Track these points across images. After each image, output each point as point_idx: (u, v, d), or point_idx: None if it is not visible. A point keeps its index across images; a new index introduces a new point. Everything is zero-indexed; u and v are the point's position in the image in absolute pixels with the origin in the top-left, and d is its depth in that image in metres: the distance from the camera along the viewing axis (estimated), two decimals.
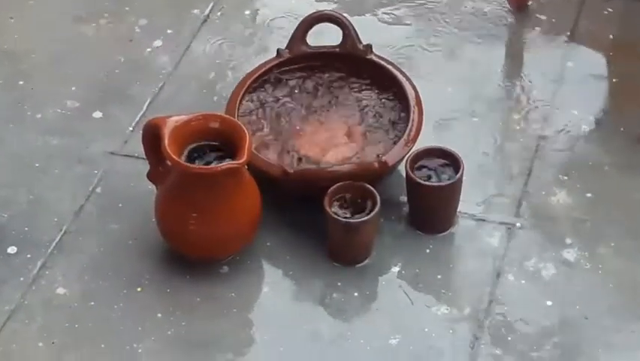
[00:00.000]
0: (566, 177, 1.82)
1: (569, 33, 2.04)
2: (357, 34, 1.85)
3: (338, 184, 1.69)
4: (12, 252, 1.72)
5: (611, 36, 2.04)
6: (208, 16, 2.09)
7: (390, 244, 1.72)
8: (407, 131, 1.75)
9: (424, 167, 1.73)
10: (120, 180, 1.82)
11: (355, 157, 1.76)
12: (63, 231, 1.75)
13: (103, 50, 2.02)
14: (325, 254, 1.71)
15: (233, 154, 1.63)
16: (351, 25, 1.84)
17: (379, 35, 2.00)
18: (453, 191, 1.73)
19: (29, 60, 2.01)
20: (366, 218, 1.66)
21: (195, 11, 2.09)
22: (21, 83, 1.97)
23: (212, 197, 1.63)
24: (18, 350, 1.61)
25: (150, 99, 1.94)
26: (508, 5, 2.09)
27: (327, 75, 1.87)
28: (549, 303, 1.66)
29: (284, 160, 1.75)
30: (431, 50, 2.02)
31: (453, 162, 1.73)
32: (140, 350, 1.61)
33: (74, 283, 1.69)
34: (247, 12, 2.10)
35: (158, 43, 2.04)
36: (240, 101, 1.80)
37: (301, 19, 1.85)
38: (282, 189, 1.73)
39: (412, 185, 1.72)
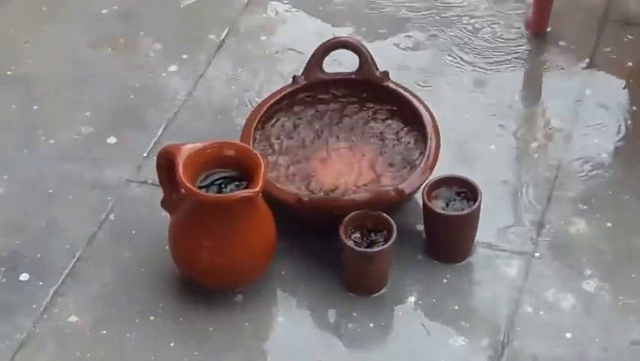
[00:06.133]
0: (585, 207, 1.80)
1: (588, 60, 2.03)
2: (373, 61, 1.83)
3: (354, 213, 1.67)
4: (24, 279, 1.71)
5: (630, 63, 2.02)
6: (224, 41, 2.08)
7: (407, 274, 1.70)
8: (424, 160, 1.74)
9: (442, 196, 1.71)
10: (134, 207, 1.80)
11: (371, 185, 1.74)
12: (76, 258, 1.74)
13: (117, 74, 2.02)
14: (340, 284, 1.69)
15: (248, 182, 1.61)
16: (368, 51, 1.83)
17: (396, 62, 1.98)
18: (471, 220, 1.71)
19: (43, 85, 2.00)
20: (382, 248, 1.64)
21: (211, 36, 2.08)
22: (35, 107, 1.97)
23: (226, 226, 1.61)
24: None
25: (165, 125, 1.93)
26: (526, 31, 2.07)
27: (343, 102, 1.85)
28: (568, 335, 1.63)
29: (299, 189, 1.73)
30: (449, 76, 2.00)
31: (471, 190, 1.71)
32: None
33: (87, 311, 1.67)
34: (263, 37, 2.09)
35: (173, 68, 2.03)
36: (255, 128, 1.79)
37: (317, 45, 1.84)
38: (296, 217, 1.72)
39: (429, 214, 1.70)
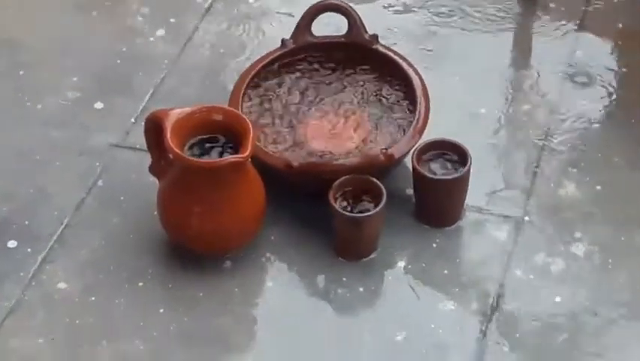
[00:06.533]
0: (574, 170, 1.79)
1: (578, 22, 2.01)
2: (362, 24, 1.82)
3: (343, 177, 1.66)
4: (12, 246, 1.70)
5: (620, 25, 2.01)
6: (211, 4, 2.06)
7: (397, 239, 1.70)
8: (414, 123, 1.73)
9: (431, 160, 1.71)
10: (122, 173, 1.79)
11: (360, 150, 1.73)
12: (64, 224, 1.73)
13: (104, 39, 2.00)
14: (330, 249, 1.69)
15: (236, 147, 1.60)
16: (357, 14, 1.82)
17: (386, 25, 1.97)
18: (460, 184, 1.70)
19: (29, 50, 1.98)
20: (372, 212, 1.64)
21: (198, 0, 2.07)
22: (21, 73, 1.95)
23: (215, 191, 1.60)
24: (18, 347, 1.59)
25: (152, 90, 1.91)
26: None
27: (332, 66, 1.84)
28: (558, 299, 1.63)
29: (288, 153, 1.73)
30: (438, 39, 1.99)
31: (460, 154, 1.70)
32: (141, 346, 1.59)
33: (75, 277, 1.67)
34: (251, 0, 2.07)
35: (160, 32, 2.01)
36: (244, 92, 1.78)
37: (306, 8, 1.82)
38: (286, 182, 1.71)
39: (418, 178, 1.70)
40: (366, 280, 1.66)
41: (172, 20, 2.03)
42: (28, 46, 1.99)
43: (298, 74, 1.83)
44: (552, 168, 1.79)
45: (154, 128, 1.63)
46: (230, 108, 1.69)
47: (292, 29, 1.83)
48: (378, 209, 1.64)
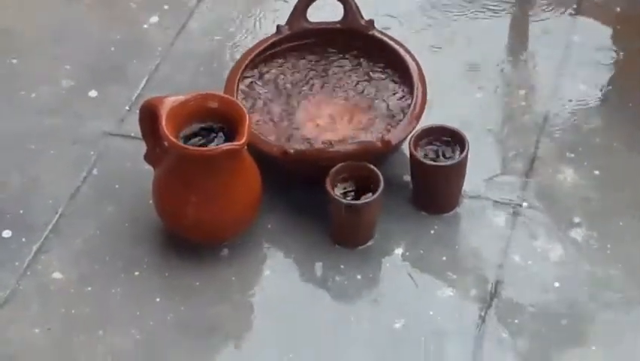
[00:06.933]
0: (572, 155, 1.78)
1: (575, 6, 2.00)
2: (358, 9, 1.81)
3: (340, 164, 1.65)
4: (7, 236, 1.69)
5: (618, 9, 2.00)
6: None
7: (394, 226, 1.69)
8: (410, 109, 1.72)
9: (428, 146, 1.70)
10: (117, 161, 1.78)
11: (357, 136, 1.72)
12: (59, 214, 1.72)
13: (98, 26, 1.99)
14: (327, 236, 1.68)
15: (232, 135, 1.59)
16: (353, 0, 1.80)
17: (381, 10, 1.96)
18: (458, 170, 1.69)
19: (23, 38, 1.97)
20: (369, 199, 1.63)
21: None
22: (14, 61, 1.94)
23: (211, 179, 1.59)
24: (14, 337, 1.58)
25: (147, 77, 1.90)
26: None
27: (327, 52, 1.82)
28: (557, 284, 1.63)
29: (284, 140, 1.71)
30: (434, 24, 1.98)
31: (458, 140, 1.69)
32: (138, 336, 1.58)
33: (70, 267, 1.65)
34: None
35: (154, 19, 2.00)
36: (239, 79, 1.76)
37: None
38: (282, 170, 1.70)
39: (415, 164, 1.69)
40: (364, 267, 1.65)
41: (166, 7, 2.02)
42: (21, 34, 1.98)
43: (294, 60, 1.82)
44: (550, 154, 1.79)
45: (149, 116, 1.62)
46: (226, 95, 1.67)
47: (287, 15, 1.82)
48: (375, 196, 1.63)
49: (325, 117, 1.76)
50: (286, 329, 1.59)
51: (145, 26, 1.99)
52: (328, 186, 1.63)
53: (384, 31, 1.83)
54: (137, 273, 1.65)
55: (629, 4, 2.01)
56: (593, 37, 1.95)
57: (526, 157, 1.78)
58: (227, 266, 1.65)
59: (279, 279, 1.65)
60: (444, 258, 1.66)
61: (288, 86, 1.80)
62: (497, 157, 1.78)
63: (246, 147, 1.60)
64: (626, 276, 1.63)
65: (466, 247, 1.67)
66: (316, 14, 1.82)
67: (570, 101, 1.86)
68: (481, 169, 1.75)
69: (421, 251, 1.67)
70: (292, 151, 1.67)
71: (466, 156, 1.68)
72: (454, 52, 1.93)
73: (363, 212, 1.64)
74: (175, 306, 1.61)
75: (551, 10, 2.00)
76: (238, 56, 1.83)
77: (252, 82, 1.79)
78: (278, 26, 1.82)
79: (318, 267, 1.65)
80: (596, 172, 1.76)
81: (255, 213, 1.66)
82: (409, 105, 1.73)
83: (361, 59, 1.82)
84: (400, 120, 1.72)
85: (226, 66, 1.84)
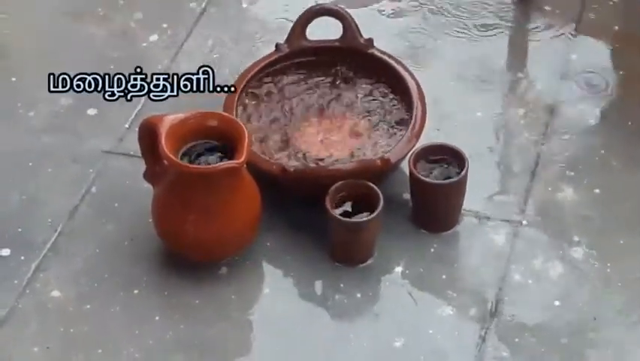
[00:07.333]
0: (572, 173, 1.78)
1: (573, 25, 2.01)
2: (357, 28, 1.81)
3: (339, 183, 1.65)
4: (5, 254, 1.69)
5: (616, 27, 2.01)
6: (205, 9, 2.05)
7: (394, 244, 1.69)
8: (410, 128, 1.72)
9: (428, 164, 1.70)
10: (116, 180, 1.78)
11: (357, 154, 1.72)
12: (57, 232, 1.71)
13: (97, 44, 1.99)
14: (327, 254, 1.67)
15: (231, 153, 1.59)
16: (352, 18, 1.80)
17: (380, 29, 1.96)
18: (457, 188, 1.69)
19: (22, 56, 1.97)
20: (368, 218, 1.63)
21: (192, 4, 2.06)
22: (13, 79, 1.94)
23: (210, 197, 1.59)
24: (13, 356, 1.58)
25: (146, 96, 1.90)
26: None
27: (327, 70, 1.82)
28: (557, 303, 1.62)
29: (283, 158, 1.71)
30: (433, 43, 1.98)
31: (457, 158, 1.69)
32: (137, 355, 1.57)
33: (69, 285, 1.65)
34: (245, 5, 2.06)
35: (153, 37, 2.00)
36: (238, 98, 1.76)
37: (301, 12, 1.81)
38: (282, 188, 1.70)
39: (415, 183, 1.69)
40: (364, 285, 1.65)
41: (165, 25, 2.02)
42: (20, 52, 1.98)
43: (293, 78, 1.82)
44: (549, 172, 1.78)
45: (148, 134, 1.62)
46: (225, 114, 1.67)
47: (286, 33, 1.82)
48: (375, 214, 1.63)
49: (324, 135, 1.75)
50: (286, 348, 1.58)
51: (144, 45, 1.99)
52: (328, 205, 1.63)
53: (383, 50, 1.83)
54: (136, 291, 1.64)
55: (628, 23, 2.02)
56: (592, 56, 1.96)
57: (526, 175, 1.78)
58: (227, 285, 1.65)
59: (278, 297, 1.64)
60: (444, 276, 1.66)
61: (288, 103, 1.80)
62: (497, 175, 1.78)
63: (245, 166, 1.60)
64: (627, 294, 1.63)
65: (466, 266, 1.67)
66: (315, 33, 1.83)
67: (569, 119, 1.86)
68: (480, 187, 1.75)
69: (421, 269, 1.67)
70: (291, 169, 1.66)
71: (466, 174, 1.68)
72: (453, 70, 1.93)
73: (362, 230, 1.64)
74: (174, 325, 1.60)
75: (550, 28, 2.01)
76: (237, 75, 1.83)
77: (251, 99, 1.79)
78: (277, 44, 1.82)
79: (318, 285, 1.65)
80: (596, 190, 1.76)
81: (254, 232, 1.66)
82: (409, 123, 1.73)
83: (360, 77, 1.82)
84: (400, 139, 1.72)
85: (225, 84, 1.84)
